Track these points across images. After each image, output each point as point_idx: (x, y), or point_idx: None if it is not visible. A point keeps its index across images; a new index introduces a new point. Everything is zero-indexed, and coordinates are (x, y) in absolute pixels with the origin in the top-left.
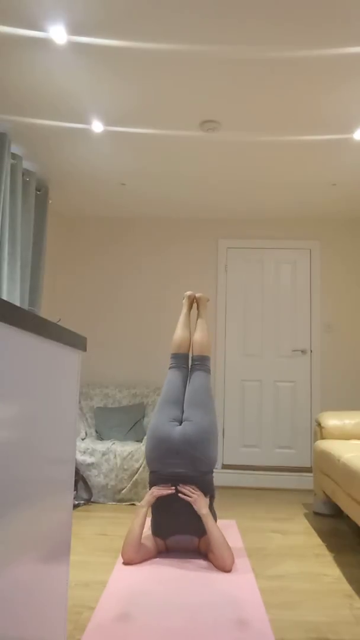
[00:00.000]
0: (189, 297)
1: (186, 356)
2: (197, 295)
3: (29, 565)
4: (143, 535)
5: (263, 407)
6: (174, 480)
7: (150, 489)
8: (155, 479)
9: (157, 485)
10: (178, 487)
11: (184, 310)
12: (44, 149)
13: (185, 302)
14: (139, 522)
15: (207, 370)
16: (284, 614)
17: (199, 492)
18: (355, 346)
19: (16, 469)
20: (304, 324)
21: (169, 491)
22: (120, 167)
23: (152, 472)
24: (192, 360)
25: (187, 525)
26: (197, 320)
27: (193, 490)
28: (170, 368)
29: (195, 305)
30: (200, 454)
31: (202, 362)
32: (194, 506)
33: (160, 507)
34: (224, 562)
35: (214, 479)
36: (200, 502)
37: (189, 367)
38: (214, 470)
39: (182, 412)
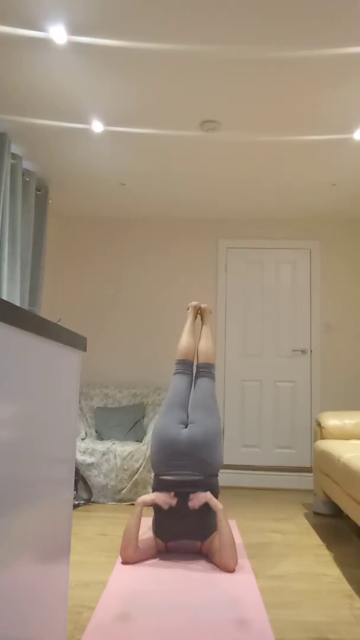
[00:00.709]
0: (195, 307)
1: (191, 363)
2: (203, 306)
3: (29, 565)
4: (145, 535)
5: (263, 407)
6: (180, 485)
7: (153, 492)
8: (160, 484)
9: (161, 491)
10: (189, 503)
11: (189, 319)
12: (44, 149)
13: (190, 312)
14: (134, 521)
15: (212, 377)
16: (284, 614)
17: (204, 493)
18: (355, 346)
19: (16, 469)
20: (304, 324)
21: (170, 503)
22: (120, 167)
23: (156, 476)
24: (197, 367)
25: (191, 531)
26: (201, 328)
27: (199, 495)
28: (175, 374)
29: (199, 314)
30: (207, 456)
31: (207, 370)
32: (210, 503)
33: (164, 510)
34: (228, 561)
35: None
36: (214, 499)
37: (194, 373)
38: None
39: (187, 415)
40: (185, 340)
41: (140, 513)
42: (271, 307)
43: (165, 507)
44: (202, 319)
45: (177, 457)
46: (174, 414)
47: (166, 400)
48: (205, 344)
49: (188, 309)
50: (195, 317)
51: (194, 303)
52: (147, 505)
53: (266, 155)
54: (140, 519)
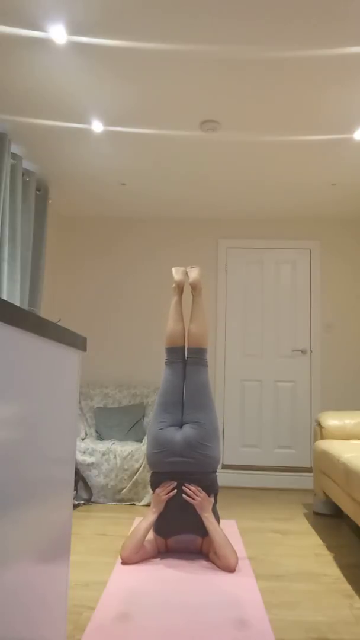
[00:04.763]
0: (178, 284)
1: (182, 349)
2: (190, 281)
3: (29, 565)
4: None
5: (263, 407)
6: (178, 478)
7: (153, 492)
8: (158, 479)
9: (159, 483)
10: (183, 487)
11: (175, 298)
12: (44, 149)
13: (175, 290)
14: (146, 525)
15: (205, 364)
16: (284, 614)
17: (203, 494)
18: (355, 346)
19: (16, 469)
20: (304, 324)
21: (172, 487)
22: (120, 167)
23: (153, 473)
24: (187, 351)
25: (191, 523)
26: (192, 306)
27: (198, 492)
28: (166, 364)
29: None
30: (203, 455)
31: (199, 356)
32: (197, 509)
33: (164, 504)
34: (227, 562)
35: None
36: (203, 505)
37: (185, 359)
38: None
39: (182, 411)
40: (172, 325)
41: (154, 521)
42: (271, 307)
43: (170, 494)
44: (192, 293)
45: (173, 456)
46: (167, 414)
47: (159, 398)
48: (196, 327)
49: (173, 285)
50: (182, 293)
51: (178, 278)
52: (161, 510)
53: (266, 155)
54: (151, 526)
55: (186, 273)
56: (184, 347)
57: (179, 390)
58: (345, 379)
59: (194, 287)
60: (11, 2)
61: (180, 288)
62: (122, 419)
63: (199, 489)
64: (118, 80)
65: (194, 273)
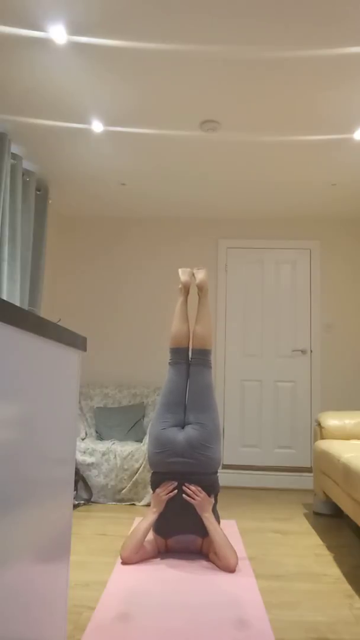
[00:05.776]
0: (184, 285)
1: (186, 350)
2: (196, 282)
3: (29, 565)
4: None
5: (263, 407)
6: (179, 478)
7: (154, 492)
8: (159, 479)
9: (160, 482)
10: (183, 487)
11: (181, 299)
12: (44, 149)
13: (181, 291)
14: (146, 525)
15: (209, 365)
16: (284, 614)
17: (203, 494)
18: (355, 346)
19: (16, 469)
20: (304, 324)
21: (173, 487)
22: (120, 167)
23: (154, 473)
24: (192, 352)
25: (191, 524)
26: (198, 307)
27: (198, 492)
28: (170, 364)
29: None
30: (205, 457)
31: (203, 357)
32: (197, 509)
33: (165, 504)
34: (227, 562)
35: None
36: (204, 506)
37: (189, 360)
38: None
39: (184, 411)
40: (177, 326)
41: (154, 521)
42: (271, 307)
43: (170, 494)
44: (198, 294)
45: (175, 457)
46: (170, 414)
47: (162, 398)
48: (201, 328)
49: (179, 285)
50: (187, 294)
51: (184, 279)
52: (161, 509)
53: (266, 155)
54: (151, 526)
55: (192, 274)
56: (188, 348)
57: (182, 391)
58: (345, 379)
59: (201, 289)
60: (11, 2)
61: (186, 289)
62: (122, 419)
63: (199, 489)
64: (118, 80)
65: (200, 274)
